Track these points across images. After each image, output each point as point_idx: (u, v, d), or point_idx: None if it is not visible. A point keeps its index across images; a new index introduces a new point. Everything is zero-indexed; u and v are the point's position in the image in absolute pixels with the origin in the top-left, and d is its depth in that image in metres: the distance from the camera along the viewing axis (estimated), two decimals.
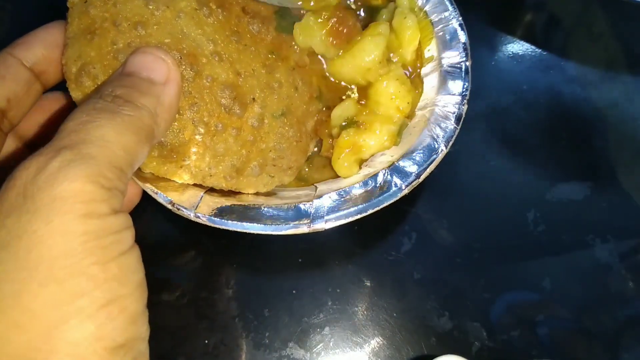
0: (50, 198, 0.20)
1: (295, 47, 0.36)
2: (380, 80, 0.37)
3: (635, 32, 0.53)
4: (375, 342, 0.39)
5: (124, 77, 0.26)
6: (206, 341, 0.39)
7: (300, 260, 0.41)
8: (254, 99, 0.33)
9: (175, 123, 0.31)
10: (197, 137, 0.31)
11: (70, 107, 0.31)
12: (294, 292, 0.40)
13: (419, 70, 0.39)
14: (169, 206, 0.33)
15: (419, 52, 0.39)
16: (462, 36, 0.39)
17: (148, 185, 0.33)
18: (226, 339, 0.39)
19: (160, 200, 0.33)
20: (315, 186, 0.36)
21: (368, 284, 0.41)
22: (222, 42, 0.32)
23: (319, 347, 0.39)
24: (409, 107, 0.37)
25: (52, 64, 0.30)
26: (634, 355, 0.40)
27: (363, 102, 0.38)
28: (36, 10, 0.51)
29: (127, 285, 0.21)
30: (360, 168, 0.37)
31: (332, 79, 0.38)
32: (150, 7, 0.30)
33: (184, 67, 0.30)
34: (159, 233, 0.42)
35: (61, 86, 0.31)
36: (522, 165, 0.46)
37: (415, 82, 0.39)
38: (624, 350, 0.40)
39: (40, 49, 0.29)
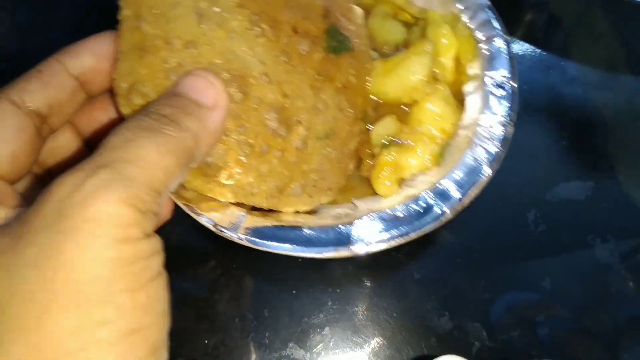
0: (84, 219, 0.19)
1: (344, 65, 0.35)
2: (425, 100, 0.36)
3: (636, 32, 0.53)
4: (375, 342, 0.39)
5: (173, 97, 0.25)
6: (206, 341, 0.39)
7: (300, 260, 0.41)
8: (299, 121, 0.33)
9: (221, 144, 0.31)
10: (242, 158, 0.31)
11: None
12: (294, 292, 0.40)
13: (461, 89, 0.38)
14: (212, 228, 0.32)
15: (460, 68, 0.39)
16: (508, 55, 0.37)
17: (189, 205, 0.33)
18: (226, 340, 0.39)
19: (203, 221, 0.32)
20: (354, 203, 0.36)
21: (368, 284, 0.41)
22: (271, 63, 0.32)
23: (319, 347, 0.39)
24: (453, 127, 0.36)
25: (99, 75, 0.29)
26: (634, 355, 0.40)
27: (405, 121, 0.37)
28: (36, 11, 0.51)
29: (151, 314, 0.21)
30: (400, 187, 0.36)
31: (375, 99, 0.38)
32: (203, 26, 0.30)
33: (233, 88, 0.30)
34: (159, 230, 0.42)
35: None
36: (522, 165, 0.46)
37: (458, 100, 0.38)
38: (624, 350, 0.40)
39: (89, 58, 0.29)
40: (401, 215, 0.33)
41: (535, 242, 0.43)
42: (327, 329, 0.39)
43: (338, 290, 0.41)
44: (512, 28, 0.53)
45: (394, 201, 0.35)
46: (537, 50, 0.51)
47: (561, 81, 0.50)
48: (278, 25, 0.32)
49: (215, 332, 0.39)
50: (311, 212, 0.35)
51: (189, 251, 0.42)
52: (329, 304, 0.40)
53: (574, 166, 0.47)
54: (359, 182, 0.37)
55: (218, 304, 0.40)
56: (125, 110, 0.30)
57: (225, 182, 0.31)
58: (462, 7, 0.40)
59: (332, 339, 0.39)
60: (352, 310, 0.40)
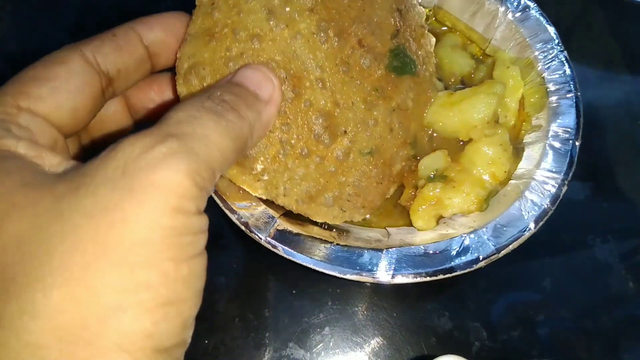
0: (149, 182, 0.19)
1: (404, 87, 0.35)
2: (482, 141, 0.35)
3: (634, 32, 0.53)
4: (375, 342, 0.39)
5: (233, 85, 0.26)
6: (206, 341, 0.39)
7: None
8: (345, 131, 0.33)
9: (265, 140, 0.31)
10: (281, 156, 0.32)
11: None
12: (294, 292, 0.40)
13: (521, 139, 0.37)
14: (243, 227, 0.32)
15: (524, 115, 0.37)
16: (576, 112, 0.36)
17: (223, 198, 0.33)
18: (226, 340, 0.39)
19: (234, 218, 0.32)
20: (388, 231, 0.35)
21: (368, 284, 0.41)
22: (330, 70, 0.32)
23: (319, 347, 0.39)
24: (504, 175, 0.35)
25: (167, 50, 0.30)
26: (634, 355, 0.40)
27: (457, 159, 0.36)
28: (36, 11, 0.51)
29: (189, 289, 0.21)
30: (437, 224, 0.35)
31: (432, 130, 0.37)
32: (271, 22, 0.31)
33: (286, 86, 0.31)
34: None
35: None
36: None
37: (516, 147, 0.37)
38: (624, 350, 0.40)
39: (161, 32, 0.30)
40: (431, 253, 0.32)
41: (535, 242, 0.43)
42: (327, 328, 0.39)
43: (338, 290, 0.41)
44: None
45: (428, 237, 0.34)
46: None
47: None
48: (345, 35, 0.33)
49: (215, 332, 0.39)
50: (343, 229, 0.35)
51: None
52: (329, 304, 0.40)
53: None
54: (396, 209, 0.37)
55: (218, 304, 0.40)
56: (181, 88, 0.31)
57: (259, 176, 0.32)
58: (539, 54, 0.38)
59: (332, 339, 0.39)
60: (352, 310, 0.40)
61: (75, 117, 0.25)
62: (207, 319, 0.39)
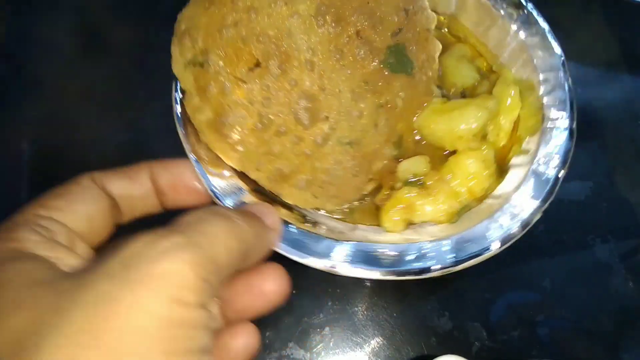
0: (148, 274, 0.19)
1: (396, 85, 0.34)
2: (466, 154, 0.35)
3: (635, 33, 0.53)
4: (375, 342, 0.39)
5: (239, 209, 0.28)
6: None
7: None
8: (327, 117, 0.33)
9: (243, 109, 0.31)
10: (258, 129, 0.32)
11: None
12: (294, 292, 0.40)
13: (508, 160, 0.36)
14: (210, 193, 0.32)
15: (516, 137, 0.37)
16: (568, 144, 0.35)
17: (200, 165, 0.33)
18: None
19: (203, 183, 0.32)
20: (356, 226, 0.35)
21: (368, 284, 0.41)
22: (321, 54, 0.32)
23: (319, 347, 0.39)
24: (482, 192, 0.35)
25: (174, 194, 0.32)
26: (634, 355, 0.40)
27: (438, 167, 0.35)
28: (36, 11, 0.51)
29: None
30: (406, 228, 0.35)
31: (417, 133, 0.36)
32: None
33: (273, 61, 0.31)
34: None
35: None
36: None
37: (501, 167, 0.36)
38: (624, 350, 0.40)
39: (172, 176, 0.32)
40: (387, 252, 0.32)
41: (535, 242, 0.43)
42: (327, 328, 0.39)
43: (338, 290, 0.41)
44: None
45: (393, 238, 0.34)
46: None
47: None
48: (343, 23, 0.33)
49: None
50: (309, 218, 0.35)
51: None
52: (329, 304, 0.40)
53: (573, 166, 0.47)
54: (369, 207, 0.36)
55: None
56: (173, 48, 0.32)
57: (235, 145, 0.32)
58: (543, 79, 0.37)
59: (332, 339, 0.39)
60: (352, 310, 0.40)
61: (92, 226, 0.27)
62: None
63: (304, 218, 0.35)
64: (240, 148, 0.32)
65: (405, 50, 0.35)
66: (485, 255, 0.32)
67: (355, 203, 0.37)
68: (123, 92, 0.47)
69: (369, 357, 0.39)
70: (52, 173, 0.44)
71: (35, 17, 0.51)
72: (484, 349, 0.39)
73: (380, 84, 0.34)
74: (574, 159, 0.47)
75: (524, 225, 0.33)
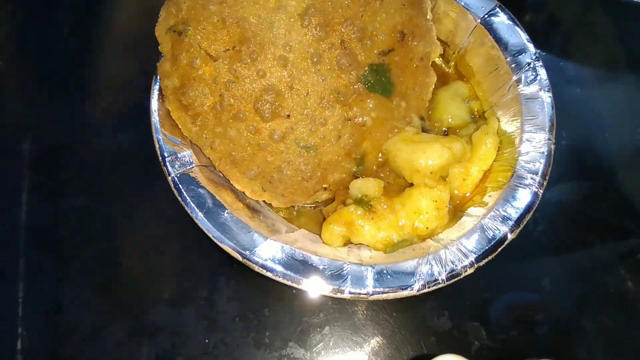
0: None
1: (369, 103, 0.34)
2: (420, 189, 0.34)
3: (636, 33, 0.53)
4: (375, 341, 0.39)
5: None
6: (206, 340, 0.39)
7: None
8: (288, 116, 0.33)
9: (206, 87, 0.32)
10: (217, 109, 0.32)
11: None
12: (294, 292, 0.40)
13: (465, 207, 0.36)
14: (160, 158, 0.34)
15: (481, 188, 0.36)
16: (526, 208, 0.34)
17: (158, 129, 0.34)
18: (226, 339, 0.39)
19: (156, 147, 0.34)
20: (296, 229, 0.36)
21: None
22: (297, 54, 0.32)
23: (319, 346, 0.39)
24: (426, 232, 0.35)
25: None
26: (633, 355, 0.40)
27: (392, 195, 0.35)
28: (36, 11, 0.51)
29: None
30: (343, 246, 0.35)
31: (383, 157, 0.36)
32: None
33: (246, 47, 0.32)
34: (160, 230, 0.42)
35: None
36: None
37: (455, 214, 0.36)
38: (624, 350, 0.40)
39: None
40: (306, 261, 0.32)
41: (535, 242, 0.43)
42: (327, 328, 0.39)
43: None
44: None
45: (325, 251, 0.34)
46: (537, 50, 0.52)
47: (561, 81, 0.50)
48: (329, 30, 0.33)
49: (215, 331, 0.39)
50: (254, 209, 0.35)
51: (189, 250, 0.42)
52: (329, 303, 0.40)
53: (573, 166, 0.47)
54: (317, 215, 0.37)
55: (218, 303, 0.40)
56: (162, 10, 0.34)
57: (194, 119, 0.33)
58: (526, 138, 0.36)
59: (332, 338, 0.39)
60: (352, 309, 0.40)
61: None
62: (207, 318, 0.39)
63: (247, 207, 0.35)
64: (198, 122, 0.33)
65: (389, 72, 0.35)
66: (404, 293, 0.32)
67: (308, 207, 0.37)
68: (123, 91, 0.47)
69: (368, 357, 0.39)
70: (52, 173, 0.44)
71: (36, 18, 0.51)
72: (483, 348, 0.39)
73: (352, 98, 0.34)
74: (574, 160, 0.47)
75: (451, 277, 0.32)
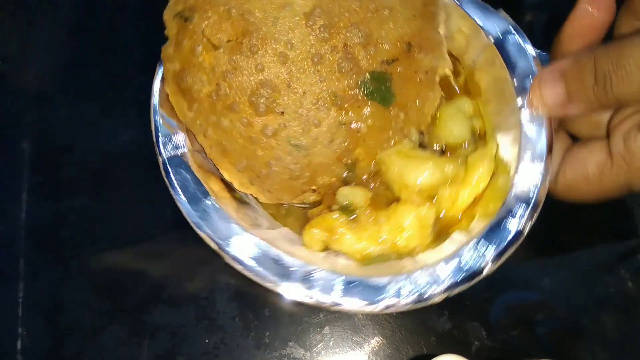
0: None
1: (366, 110, 0.34)
2: (405, 205, 0.33)
3: None
4: (375, 341, 0.39)
5: None
6: (206, 340, 0.39)
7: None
8: (282, 113, 0.33)
9: (204, 75, 0.32)
10: (212, 97, 0.33)
11: None
12: None
13: (450, 231, 0.35)
14: (154, 138, 0.34)
15: (469, 214, 0.35)
16: (505, 245, 0.33)
17: (156, 109, 0.35)
18: (226, 339, 0.39)
19: (152, 127, 0.34)
20: (278, 226, 0.36)
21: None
22: (299, 52, 0.32)
23: (319, 346, 0.39)
24: (405, 250, 0.34)
25: None
26: (633, 356, 0.40)
27: (378, 207, 0.34)
28: (36, 11, 0.51)
29: None
30: (321, 251, 0.34)
31: (375, 166, 0.35)
32: None
33: (248, 40, 0.32)
34: (160, 230, 0.42)
35: None
36: None
37: (439, 236, 0.35)
38: (624, 350, 0.40)
39: None
40: (278, 260, 0.32)
41: (534, 242, 0.43)
42: (327, 328, 0.39)
43: None
44: None
45: (300, 253, 0.33)
46: (536, 50, 0.51)
47: None
48: (334, 32, 0.32)
49: (215, 331, 0.39)
50: (236, 198, 0.35)
51: (189, 250, 0.42)
52: None
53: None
54: (304, 216, 0.36)
55: (218, 303, 0.40)
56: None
57: (190, 105, 0.33)
58: (521, 168, 0.34)
59: (332, 338, 0.39)
60: None
61: None
62: (207, 318, 0.39)
63: (233, 198, 0.35)
64: (193, 108, 0.33)
65: (390, 82, 0.34)
66: (365, 309, 0.31)
67: (298, 207, 0.37)
68: (123, 91, 0.47)
69: (368, 357, 0.39)
70: (52, 173, 0.44)
71: (36, 18, 0.51)
72: (483, 348, 0.39)
73: (349, 102, 0.34)
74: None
75: (418, 301, 0.31)
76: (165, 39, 0.35)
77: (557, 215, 0.44)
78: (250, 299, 0.40)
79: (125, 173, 0.44)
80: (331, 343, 0.39)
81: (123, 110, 0.46)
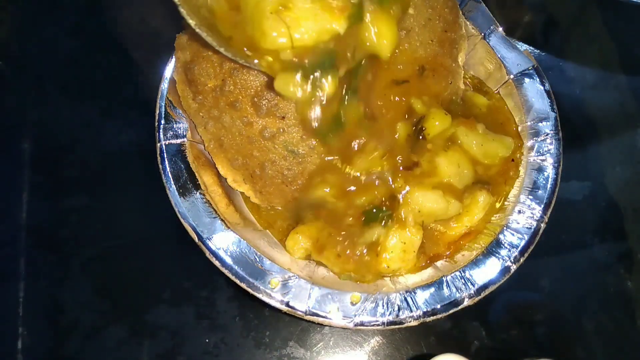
0: None
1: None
2: (397, 227, 0.33)
3: (633, 33, 0.53)
4: (375, 341, 0.39)
5: None
6: (207, 340, 0.39)
7: None
8: (283, 117, 0.33)
9: (212, 70, 0.33)
10: (217, 92, 0.33)
11: None
12: None
13: (437, 260, 0.35)
14: (156, 124, 0.35)
15: (457, 246, 0.35)
16: (490, 281, 0.34)
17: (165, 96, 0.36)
18: (227, 338, 0.39)
19: (156, 113, 0.35)
20: (265, 230, 0.36)
21: None
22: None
23: (319, 346, 0.39)
24: (386, 270, 0.33)
25: None
26: (633, 355, 0.40)
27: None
28: (36, 11, 0.51)
29: None
30: (304, 258, 0.35)
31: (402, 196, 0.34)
32: None
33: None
34: (160, 230, 0.42)
35: None
36: None
37: (423, 262, 0.35)
38: (623, 350, 0.40)
39: None
40: (256, 264, 0.33)
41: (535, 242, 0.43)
42: (327, 327, 0.39)
43: None
44: (511, 29, 0.53)
45: (281, 259, 0.34)
46: (535, 51, 0.52)
47: (559, 81, 0.50)
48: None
49: (215, 331, 0.39)
50: (230, 198, 0.36)
51: (189, 250, 0.42)
52: None
53: (572, 166, 0.47)
54: (289, 221, 0.36)
55: (218, 303, 0.40)
56: None
57: (195, 96, 0.34)
58: (517, 210, 0.35)
59: (332, 338, 0.39)
60: None
61: None
62: (207, 318, 0.39)
63: (225, 194, 0.36)
64: (198, 100, 0.34)
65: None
66: (332, 322, 0.32)
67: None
68: (124, 91, 0.47)
69: (368, 356, 0.39)
70: (52, 173, 0.44)
71: (36, 18, 0.51)
72: (482, 347, 0.39)
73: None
74: (572, 160, 0.47)
75: (392, 323, 0.32)
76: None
77: (556, 215, 0.44)
78: (250, 299, 0.40)
79: (125, 173, 0.44)
80: (331, 342, 0.39)
81: (123, 110, 0.46)
